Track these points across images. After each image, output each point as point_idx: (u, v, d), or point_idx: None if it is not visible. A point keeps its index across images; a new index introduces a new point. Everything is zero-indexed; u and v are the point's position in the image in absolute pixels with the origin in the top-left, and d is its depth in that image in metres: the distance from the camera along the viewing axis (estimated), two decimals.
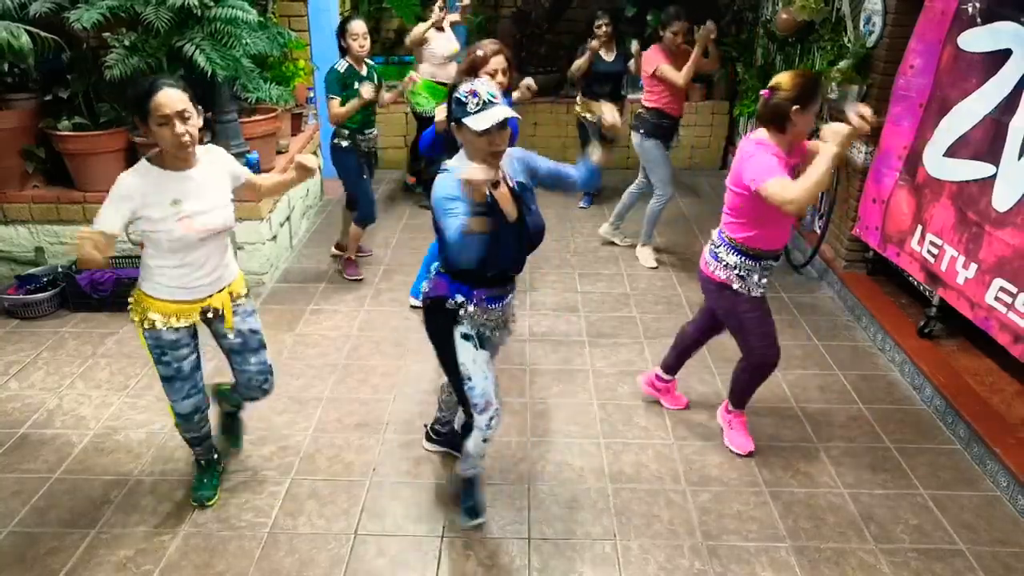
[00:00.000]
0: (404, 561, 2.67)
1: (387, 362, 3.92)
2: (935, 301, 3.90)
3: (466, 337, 2.52)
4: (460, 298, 2.47)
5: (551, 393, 3.67)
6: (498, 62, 3.26)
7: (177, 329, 2.60)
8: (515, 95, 3.81)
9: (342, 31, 4.43)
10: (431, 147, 3.46)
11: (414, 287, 4.54)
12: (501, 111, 2.21)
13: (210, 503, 2.89)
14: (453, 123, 2.30)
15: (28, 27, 3.79)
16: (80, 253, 2.19)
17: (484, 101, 2.21)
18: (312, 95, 6.04)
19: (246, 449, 3.22)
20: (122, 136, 4.44)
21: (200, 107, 2.41)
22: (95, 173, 4.43)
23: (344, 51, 4.45)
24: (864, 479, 3.12)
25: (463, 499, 2.83)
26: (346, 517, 2.86)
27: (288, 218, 5.21)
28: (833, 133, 2.69)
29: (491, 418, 2.58)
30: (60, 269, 4.44)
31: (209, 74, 3.95)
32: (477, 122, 2.20)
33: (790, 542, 2.78)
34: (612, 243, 5.53)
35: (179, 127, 2.31)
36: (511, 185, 2.36)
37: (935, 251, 3.65)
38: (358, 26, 4.40)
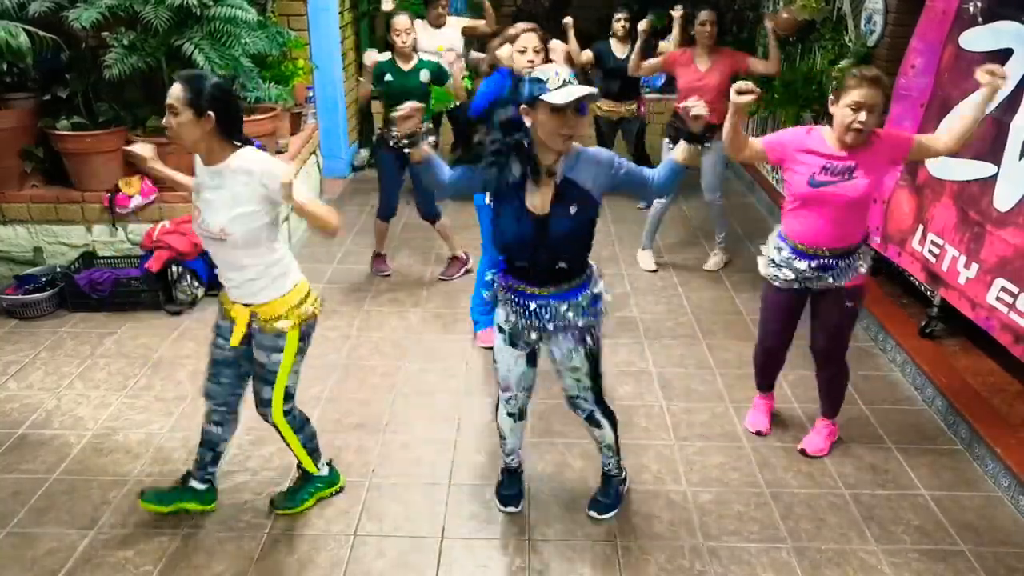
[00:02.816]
0: (403, 562, 2.66)
1: (387, 362, 3.91)
2: (936, 301, 3.89)
3: (499, 329, 2.62)
4: (493, 273, 2.58)
5: (551, 393, 3.65)
6: (528, 39, 3.30)
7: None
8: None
9: (387, 26, 4.51)
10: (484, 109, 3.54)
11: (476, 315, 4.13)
12: (580, 88, 2.20)
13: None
14: (524, 105, 2.26)
15: (27, 26, 3.78)
16: None
17: (565, 80, 2.20)
18: (311, 94, 6.03)
19: (246, 450, 3.21)
20: (121, 135, 4.42)
21: (207, 111, 2.33)
22: (94, 173, 4.42)
23: (390, 46, 4.48)
24: (865, 479, 3.11)
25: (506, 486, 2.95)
26: (345, 518, 2.85)
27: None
28: (986, 72, 2.60)
29: (509, 399, 2.73)
30: (59, 269, 4.43)
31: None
32: (557, 96, 2.17)
33: (791, 543, 2.77)
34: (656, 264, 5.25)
35: (168, 118, 2.40)
36: (556, 179, 2.34)
37: (936, 251, 3.64)
38: (400, 21, 4.42)
